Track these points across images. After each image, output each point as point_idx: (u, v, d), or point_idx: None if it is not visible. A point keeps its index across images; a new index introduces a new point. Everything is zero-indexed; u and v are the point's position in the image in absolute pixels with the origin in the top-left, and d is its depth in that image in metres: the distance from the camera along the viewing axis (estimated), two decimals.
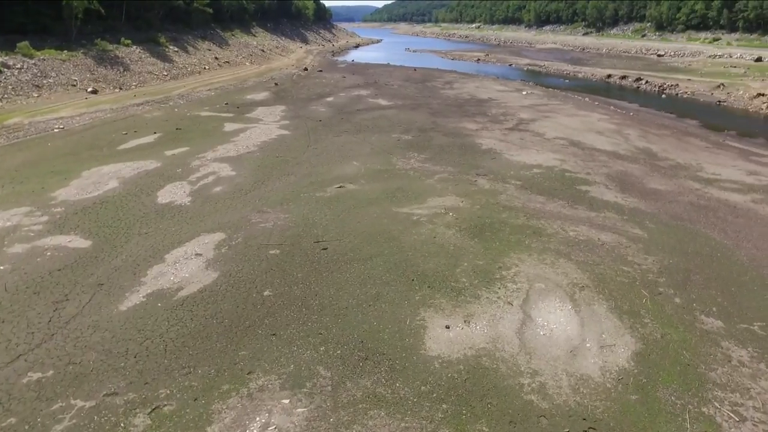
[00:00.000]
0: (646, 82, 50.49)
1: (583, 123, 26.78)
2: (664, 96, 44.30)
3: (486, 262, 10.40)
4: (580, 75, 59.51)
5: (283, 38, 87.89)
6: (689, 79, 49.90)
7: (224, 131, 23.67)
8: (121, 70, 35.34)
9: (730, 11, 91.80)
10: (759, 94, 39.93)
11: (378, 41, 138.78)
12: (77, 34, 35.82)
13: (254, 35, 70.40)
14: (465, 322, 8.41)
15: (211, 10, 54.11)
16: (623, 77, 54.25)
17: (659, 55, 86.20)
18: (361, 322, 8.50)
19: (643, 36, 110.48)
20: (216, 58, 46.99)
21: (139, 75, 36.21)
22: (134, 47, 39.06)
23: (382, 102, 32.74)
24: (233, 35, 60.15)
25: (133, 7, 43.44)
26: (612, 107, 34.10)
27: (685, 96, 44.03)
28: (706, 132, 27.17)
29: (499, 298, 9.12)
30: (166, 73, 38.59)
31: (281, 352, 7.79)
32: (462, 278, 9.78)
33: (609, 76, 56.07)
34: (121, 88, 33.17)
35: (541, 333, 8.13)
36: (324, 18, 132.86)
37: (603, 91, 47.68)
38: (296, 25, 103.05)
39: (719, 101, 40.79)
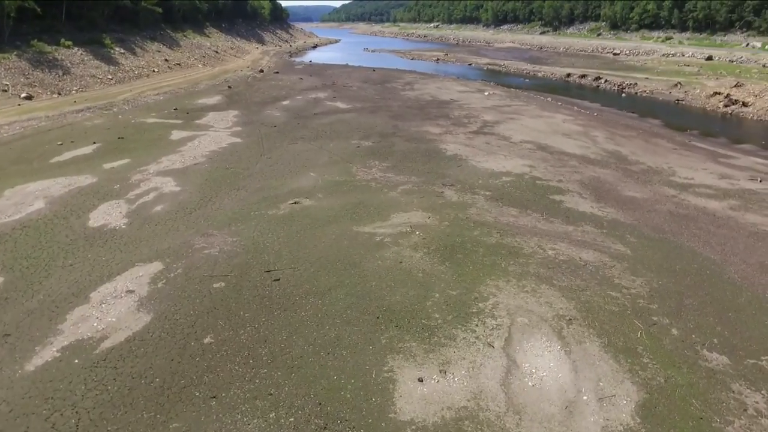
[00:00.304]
0: (606, 81, 50.52)
1: (548, 125, 26.01)
2: (624, 95, 44.29)
3: (460, 292, 9.21)
4: (539, 74, 59.36)
5: (239, 39, 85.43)
6: (647, 78, 50.18)
7: (171, 140, 21.92)
8: (60, 73, 32.94)
9: (680, 11, 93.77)
10: (715, 93, 40.15)
11: (336, 41, 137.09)
12: (10, 35, 33.24)
13: (208, 36, 67.96)
14: (441, 372, 7.18)
15: (160, 10, 51.65)
16: (582, 76, 54.26)
17: (615, 54, 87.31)
18: (318, 376, 7.18)
19: (599, 35, 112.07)
20: (166, 60, 44.74)
21: (81, 79, 33.88)
22: (76, 49, 36.60)
23: (341, 105, 31.38)
24: (185, 36, 57.74)
25: (75, 6, 40.85)
26: (575, 107, 33.58)
27: (644, 95, 44.09)
28: (670, 132, 26.78)
29: (477, 338, 7.93)
30: (111, 77, 36.30)
31: (222, 423, 6.41)
32: (434, 313, 8.57)
33: (569, 75, 56.03)
34: (59, 94, 30.85)
35: (530, 383, 6.97)
36: (281, 18, 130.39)
37: (564, 90, 47.42)
38: (252, 25, 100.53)
39: (678, 100, 40.91)
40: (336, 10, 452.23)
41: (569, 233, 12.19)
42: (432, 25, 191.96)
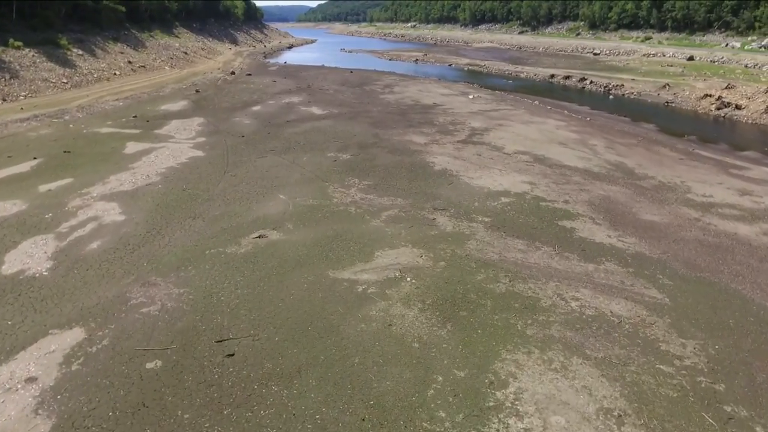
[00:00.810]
0: (591, 82, 49.01)
1: (541, 132, 24.03)
2: (611, 97, 42.77)
3: (469, 373, 7.04)
4: (522, 75, 57.70)
5: (211, 39, 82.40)
6: (633, 79, 48.77)
7: (124, 154, 19.41)
8: (7, 77, 30.03)
9: (659, 11, 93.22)
10: (706, 95, 38.75)
11: (312, 41, 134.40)
12: None
13: (177, 36, 64.95)
14: None
15: (123, 9, 48.67)
16: (567, 77, 52.71)
17: (595, 54, 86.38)
18: None
19: (578, 35, 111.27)
20: (129, 62, 41.86)
21: (31, 83, 30.99)
22: (27, 50, 33.65)
23: (316, 111, 29.05)
24: (152, 36, 54.76)
25: (28, 4, 37.82)
26: (566, 111, 31.74)
27: (632, 97, 42.64)
28: (669, 139, 25.04)
29: None
30: (66, 81, 33.44)
31: None
32: (438, 410, 6.38)
33: (552, 76, 54.44)
34: (4, 100, 27.98)
35: None
36: (255, 18, 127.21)
37: (549, 92, 45.76)
38: (225, 25, 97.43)
39: (667, 102, 39.51)
40: (312, 10, 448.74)
41: (590, 274, 10.11)
42: (409, 24, 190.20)
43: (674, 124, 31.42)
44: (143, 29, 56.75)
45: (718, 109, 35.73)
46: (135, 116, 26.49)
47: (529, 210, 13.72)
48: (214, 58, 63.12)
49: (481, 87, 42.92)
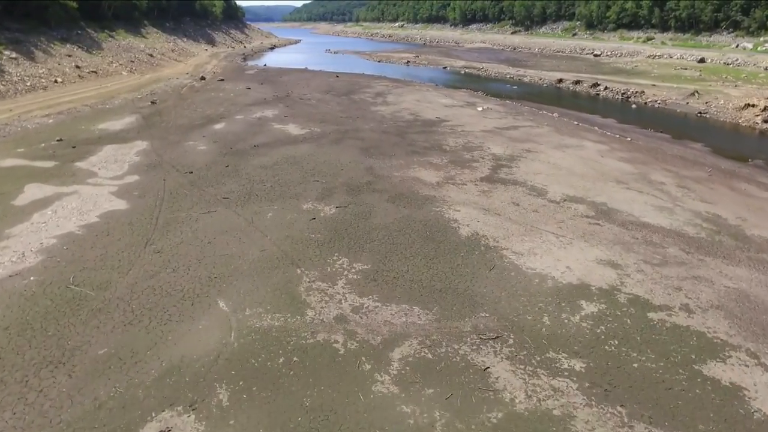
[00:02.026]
0: (606, 88, 43.75)
1: (584, 162, 18.46)
2: (634, 106, 37.45)
3: None
4: (525, 79, 52.32)
5: (185, 40, 76.14)
6: (653, 85, 43.59)
7: (13, 205, 13.53)
8: None
9: (661, 10, 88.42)
10: (747, 105, 33.49)
11: (297, 42, 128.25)
12: None
13: (144, 37, 58.71)
14: None
15: (74, 5, 42.39)
16: (577, 82, 47.37)
17: (596, 55, 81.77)
18: None
19: (574, 35, 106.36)
20: (77, 66, 35.69)
21: None
22: None
23: (294, 130, 23.26)
24: (111, 37, 48.51)
25: None
26: (597, 128, 26.26)
27: (656, 106, 37.39)
28: (739, 167, 19.62)
29: None
30: None
31: None
32: None
33: (560, 80, 49.09)
34: None
35: None
36: (235, 17, 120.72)
37: (561, 99, 40.51)
38: (202, 24, 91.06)
39: (700, 113, 34.36)
40: (297, 10, 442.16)
41: None
42: (397, 24, 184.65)
43: (723, 142, 26.20)
44: (103, 28, 50.49)
45: (766, 121, 30.57)
46: (60, 139, 20.54)
47: (638, 333, 8.06)
48: (185, 61, 56.97)
49: (488, 96, 37.34)
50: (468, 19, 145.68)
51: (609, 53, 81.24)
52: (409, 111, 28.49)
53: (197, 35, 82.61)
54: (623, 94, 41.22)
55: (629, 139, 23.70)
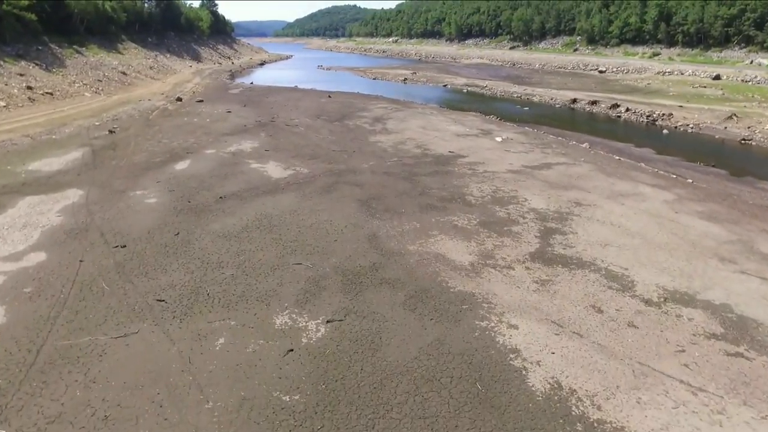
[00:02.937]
0: (627, 109, 39.42)
1: (658, 222, 13.80)
2: (665, 131, 33.06)
3: None
4: (535, 99, 47.97)
5: (168, 56, 71.65)
6: (681, 106, 39.30)
7: None
8: None
9: (668, 25, 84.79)
10: None
11: (288, 57, 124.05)
12: None
13: (120, 52, 54.07)
14: None
15: (33, 17, 37.67)
16: (593, 102, 43.05)
17: (601, 71, 78.10)
18: None
19: (576, 50, 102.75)
20: (29, 87, 30.88)
21: None
22: None
23: (275, 170, 18.53)
24: (78, 52, 43.76)
25: None
26: (642, 163, 21.75)
27: (690, 131, 33.03)
28: None
29: None
30: None
31: None
32: None
33: (574, 101, 44.76)
34: None
35: None
36: (224, 32, 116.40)
37: (580, 123, 36.27)
38: (187, 39, 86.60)
39: (744, 139, 30.08)
40: (290, 25, 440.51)
41: None
42: (391, 39, 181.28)
43: None
44: (72, 43, 45.79)
45: None
46: None
47: None
48: (164, 79, 52.29)
49: (500, 119, 32.80)
50: (464, 34, 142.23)
51: (615, 69, 77.51)
52: (415, 142, 23.84)
53: (182, 51, 78.11)
54: (648, 116, 36.94)
55: (690, 181, 19.11)
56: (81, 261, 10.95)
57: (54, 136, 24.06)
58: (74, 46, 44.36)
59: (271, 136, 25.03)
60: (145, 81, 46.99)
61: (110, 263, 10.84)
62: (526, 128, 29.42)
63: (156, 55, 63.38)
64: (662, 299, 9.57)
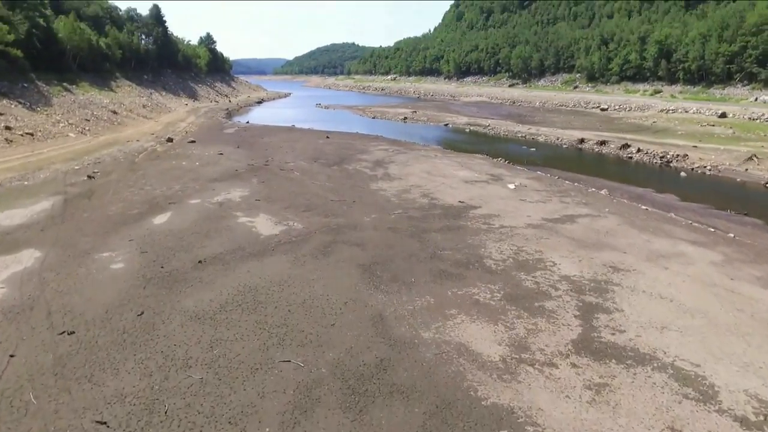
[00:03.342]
0: (639, 150, 37.72)
1: (714, 293, 11.62)
2: (683, 174, 31.17)
3: None
4: (540, 139, 46.35)
5: (164, 93, 70.42)
6: (695, 147, 37.62)
7: None
8: None
9: (668, 62, 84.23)
10: None
11: (286, 95, 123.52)
12: None
13: (112, 90, 52.63)
14: None
15: (18, 53, 36.11)
16: (602, 143, 41.35)
17: (602, 109, 77.09)
18: None
19: (575, 87, 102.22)
20: (7, 127, 28.99)
21: None
22: None
23: (264, 225, 16.40)
24: (69, 90, 42.17)
25: None
26: (672, 213, 19.67)
27: (708, 173, 31.15)
28: None
29: None
30: None
31: None
32: None
33: (581, 141, 43.10)
34: None
35: None
36: (222, 69, 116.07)
37: (590, 165, 34.56)
38: (184, 77, 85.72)
39: None
40: (289, 63, 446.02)
41: None
42: (389, 77, 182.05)
43: None
44: (64, 80, 44.27)
45: None
46: None
47: None
48: (157, 118, 50.67)
49: (508, 162, 30.92)
50: (463, 72, 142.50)
51: (617, 107, 76.48)
52: (421, 190, 21.80)
53: (178, 88, 77.00)
54: (662, 157, 35.16)
55: (732, 235, 17.02)
56: (12, 356, 8.68)
57: (26, 182, 22.01)
58: (64, 84, 42.80)
59: (263, 182, 23.00)
60: (136, 120, 45.28)
61: (48, 360, 8.58)
62: (539, 173, 27.50)
63: (151, 93, 62.02)
64: (762, 417, 7.30)
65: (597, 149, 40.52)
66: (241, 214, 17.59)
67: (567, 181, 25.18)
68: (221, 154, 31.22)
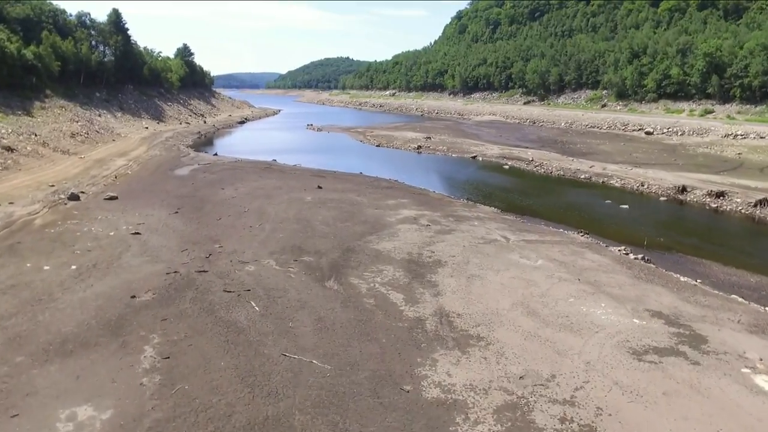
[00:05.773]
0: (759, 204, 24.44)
1: None
2: None
3: None
4: (613, 183, 33.28)
5: (119, 114, 57.06)
6: None
7: None
8: None
9: (720, 78, 71.50)
10: None
11: (275, 113, 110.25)
12: None
13: (30, 114, 39.13)
14: None
15: None
16: (720, 195, 28.24)
17: (648, 132, 64.63)
18: None
19: (603, 106, 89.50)
20: None
21: None
22: None
23: None
24: None
25: None
26: None
27: None
28: None
29: None
30: None
31: None
32: None
33: (683, 190, 29.86)
34: None
35: None
36: (201, 84, 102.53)
37: (735, 244, 20.85)
38: (151, 93, 72.24)
39: None
40: (282, 77, 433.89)
41: None
42: (388, 92, 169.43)
43: None
44: None
45: None
46: None
47: None
48: (88, 152, 37.13)
49: (645, 260, 17.47)
50: (470, 87, 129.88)
51: (665, 130, 63.89)
52: (535, 373, 8.23)
53: (139, 108, 63.58)
54: None
55: None
56: None
57: None
58: None
59: (173, 343, 9.56)
60: (45, 158, 31.73)
61: None
62: (650, 267, 13.98)
63: (94, 116, 48.54)
64: None
65: (714, 204, 27.50)
66: None
67: (715, 300, 11.64)
68: (137, 234, 17.90)
